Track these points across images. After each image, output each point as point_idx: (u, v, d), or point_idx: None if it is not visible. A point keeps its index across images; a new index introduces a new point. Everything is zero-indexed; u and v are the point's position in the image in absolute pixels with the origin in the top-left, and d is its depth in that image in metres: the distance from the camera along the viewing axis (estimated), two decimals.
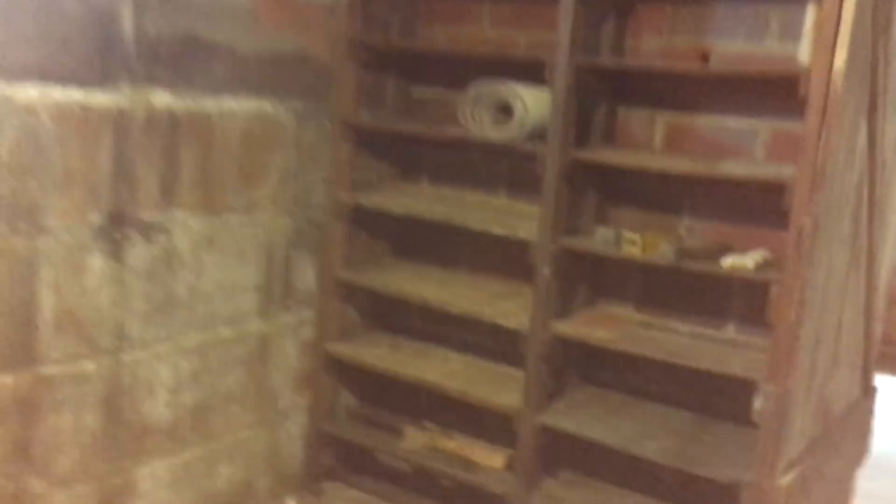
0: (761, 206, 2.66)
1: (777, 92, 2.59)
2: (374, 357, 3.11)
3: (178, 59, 2.43)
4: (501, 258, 3.12)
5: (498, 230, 2.76)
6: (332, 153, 3.03)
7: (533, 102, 2.62)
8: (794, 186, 2.23)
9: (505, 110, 2.70)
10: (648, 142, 2.84)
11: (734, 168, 2.41)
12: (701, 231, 2.77)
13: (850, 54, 1.71)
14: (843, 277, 2.27)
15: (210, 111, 2.56)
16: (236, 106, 2.65)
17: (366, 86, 3.07)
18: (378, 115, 3.15)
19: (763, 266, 2.41)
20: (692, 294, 2.79)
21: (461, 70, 3.06)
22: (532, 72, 2.69)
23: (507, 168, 3.10)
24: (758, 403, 2.35)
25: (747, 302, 2.72)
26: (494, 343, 3.10)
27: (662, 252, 2.47)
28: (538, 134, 2.68)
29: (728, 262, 2.39)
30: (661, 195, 2.83)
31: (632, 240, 2.53)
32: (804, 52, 2.32)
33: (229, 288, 2.73)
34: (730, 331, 2.76)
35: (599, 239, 2.62)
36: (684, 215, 2.80)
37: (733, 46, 2.67)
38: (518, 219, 2.88)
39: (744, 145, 2.67)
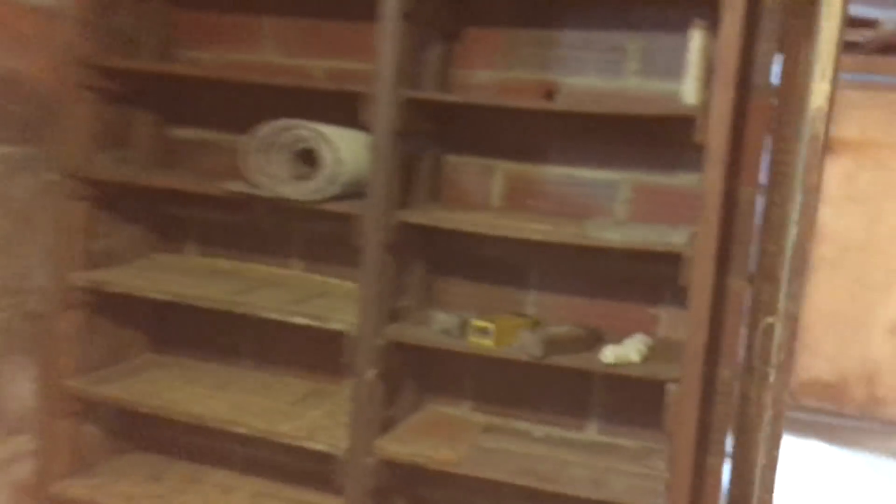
0: (630, 276, 2.17)
1: (641, 138, 2.13)
2: (122, 497, 2.25)
3: None
4: (301, 349, 2.40)
5: (301, 319, 2.04)
6: (59, 216, 2.18)
7: (347, 149, 1.96)
8: (695, 257, 1.74)
9: (307, 159, 2.01)
10: (484, 197, 2.27)
11: (608, 233, 1.88)
12: (552, 308, 2.23)
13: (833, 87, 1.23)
14: None
15: None
16: None
17: (106, 124, 2.26)
18: (125, 164, 2.34)
19: (650, 357, 1.90)
20: (543, 388, 2.24)
21: (239, 106, 2.34)
22: (337, 110, 2.04)
23: (303, 232, 2.41)
24: None
25: (610, 395, 2.22)
26: (295, 461, 2.36)
27: (524, 344, 1.89)
28: (352, 190, 2.02)
29: (609, 355, 1.85)
30: (502, 264, 2.27)
31: (482, 328, 1.93)
32: (689, 90, 1.86)
33: None
34: (592, 431, 2.24)
35: (439, 327, 2.00)
36: (531, 288, 2.26)
37: (584, 82, 2.18)
38: (322, 299, 2.19)
39: (601, 202, 2.18)
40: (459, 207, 2.21)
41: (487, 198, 2.27)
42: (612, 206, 2.17)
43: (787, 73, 2.02)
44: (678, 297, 2.13)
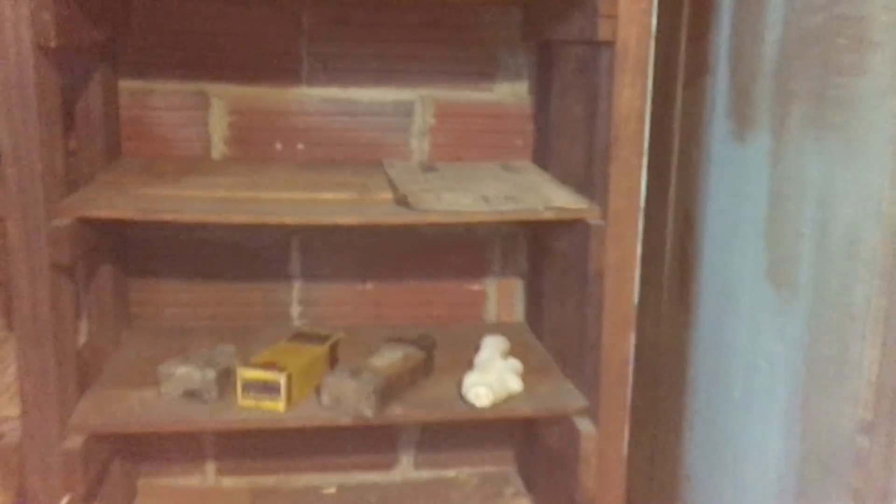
0: (437, 242, 1.47)
1: (443, 35, 1.40)
2: None
3: None
4: None
5: None
6: None
7: None
8: (610, 225, 1.09)
9: None
10: (198, 144, 1.39)
11: (449, 196, 1.15)
12: (330, 304, 1.47)
13: None
14: None
15: None
16: None
17: None
18: None
19: (535, 383, 1.24)
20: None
21: None
22: None
23: None
24: None
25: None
26: None
27: (344, 399, 1.12)
28: None
29: (480, 394, 1.15)
30: (243, 249, 1.43)
31: (264, 382, 1.12)
32: None
33: None
34: (406, 466, 1.56)
35: (178, 389, 1.14)
36: (294, 279, 1.46)
37: None
38: None
39: (390, 136, 1.43)
40: (160, 167, 1.31)
41: (204, 144, 1.39)
42: (408, 141, 1.43)
43: None
44: (509, 262, 1.50)
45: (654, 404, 1.38)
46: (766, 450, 1.02)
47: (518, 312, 1.52)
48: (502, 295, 1.51)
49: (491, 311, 1.51)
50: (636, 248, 1.10)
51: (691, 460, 1.26)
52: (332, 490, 1.50)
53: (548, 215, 1.11)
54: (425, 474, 1.55)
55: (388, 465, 1.54)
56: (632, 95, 1.06)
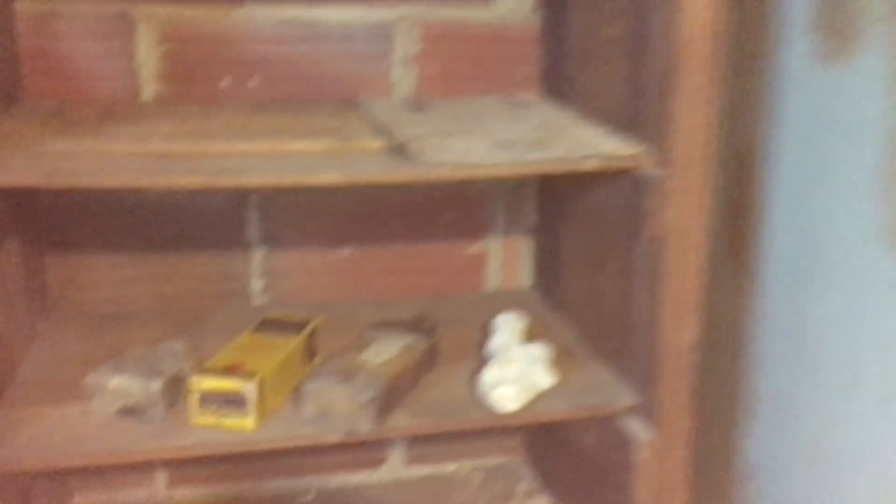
0: (427, 196, 1.21)
1: None
2: None
3: None
4: None
5: None
6: None
7: None
8: (676, 176, 0.84)
9: None
10: (123, 82, 1.09)
11: (458, 144, 0.89)
12: (298, 274, 1.20)
13: None
14: None
15: None
16: None
17: None
18: None
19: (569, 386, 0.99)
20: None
21: None
22: None
23: None
24: None
25: None
26: None
27: (334, 412, 0.86)
28: None
29: (507, 395, 0.90)
30: (189, 211, 1.15)
31: (228, 393, 0.86)
32: None
33: None
34: (396, 463, 1.32)
35: (114, 406, 0.87)
36: (255, 246, 1.18)
37: None
38: None
39: (365, 67, 1.15)
40: (74, 114, 1.01)
41: (130, 83, 1.09)
42: (388, 73, 1.15)
43: None
44: (514, 216, 1.25)
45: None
46: (883, 461, 0.80)
47: (524, 276, 1.27)
48: (506, 257, 1.26)
49: (493, 278, 1.26)
50: (706, 205, 0.86)
51: (755, 455, 1.04)
52: (310, 497, 1.26)
53: (591, 165, 0.85)
54: (419, 471, 1.31)
55: (375, 463, 1.30)
56: (704, 2, 0.80)
